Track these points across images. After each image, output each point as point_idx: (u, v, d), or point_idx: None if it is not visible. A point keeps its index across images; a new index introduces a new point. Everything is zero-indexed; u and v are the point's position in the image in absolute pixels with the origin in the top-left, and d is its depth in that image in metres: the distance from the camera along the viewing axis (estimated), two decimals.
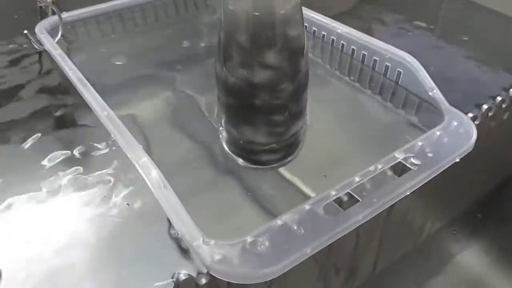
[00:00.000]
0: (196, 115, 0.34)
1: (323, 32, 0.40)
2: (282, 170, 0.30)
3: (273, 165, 0.30)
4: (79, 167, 0.28)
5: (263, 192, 0.28)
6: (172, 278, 0.21)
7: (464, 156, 0.29)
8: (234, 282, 0.21)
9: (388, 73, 0.35)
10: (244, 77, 0.26)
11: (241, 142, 0.29)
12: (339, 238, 0.23)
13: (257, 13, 0.24)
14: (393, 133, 0.34)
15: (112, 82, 0.39)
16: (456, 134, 0.30)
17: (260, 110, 0.27)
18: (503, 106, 0.34)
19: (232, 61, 0.26)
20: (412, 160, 0.27)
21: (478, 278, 0.48)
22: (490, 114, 0.34)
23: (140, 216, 0.25)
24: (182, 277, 0.21)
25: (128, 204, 0.25)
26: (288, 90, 0.27)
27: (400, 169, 0.28)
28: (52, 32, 0.41)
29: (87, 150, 0.29)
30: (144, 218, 0.25)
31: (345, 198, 0.26)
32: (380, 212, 0.31)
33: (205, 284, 0.22)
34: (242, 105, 0.27)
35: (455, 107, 0.32)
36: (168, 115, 0.35)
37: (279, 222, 0.23)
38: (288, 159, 0.30)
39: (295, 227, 0.23)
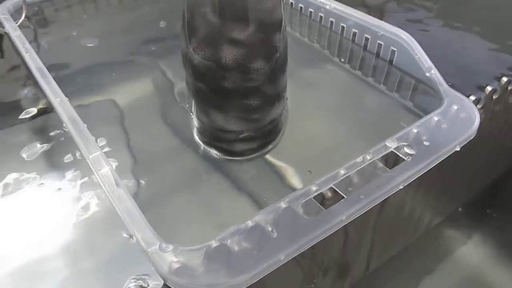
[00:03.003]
0: (171, 101, 0.31)
1: (310, 9, 0.36)
2: (260, 161, 0.27)
3: (249, 156, 0.27)
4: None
5: (239, 187, 0.25)
6: None
7: (466, 144, 0.26)
8: None
9: (381, 52, 0.32)
10: (211, 56, 0.22)
11: (213, 130, 0.26)
12: (323, 239, 0.20)
13: None
14: (386, 119, 0.30)
15: (81, 66, 0.35)
16: (457, 119, 0.27)
17: (231, 94, 0.24)
18: (509, 87, 0.31)
19: (198, 38, 0.23)
20: (406, 149, 0.24)
21: (478, 274, 0.45)
22: (494, 96, 0.30)
23: (96, 218, 0.22)
24: (133, 287, 0.18)
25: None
26: (263, 71, 0.23)
27: (393, 160, 0.25)
28: (16, 14, 0.38)
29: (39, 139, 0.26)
30: (100, 219, 0.22)
31: (329, 194, 0.23)
32: (372, 208, 0.28)
33: None
34: (211, 89, 0.24)
35: (456, 89, 0.28)
36: (142, 101, 0.31)
37: (249, 223, 0.20)
38: (267, 148, 0.27)
39: (270, 229, 0.20)
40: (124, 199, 0.20)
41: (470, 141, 0.26)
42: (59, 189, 0.23)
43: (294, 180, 0.25)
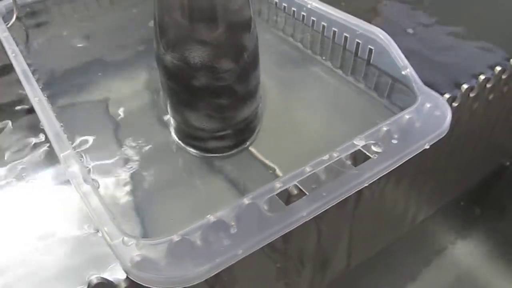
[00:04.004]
0: (157, 100, 0.32)
1: (293, 8, 0.37)
2: (236, 158, 0.27)
3: (225, 154, 0.27)
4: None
5: (215, 184, 0.26)
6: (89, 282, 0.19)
7: (446, 141, 0.26)
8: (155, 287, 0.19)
9: (360, 51, 0.32)
10: (180, 57, 0.23)
11: (187, 129, 0.27)
12: (297, 235, 0.21)
13: None
14: (363, 117, 0.30)
15: (70, 66, 0.36)
16: (430, 117, 0.27)
17: (201, 93, 0.24)
18: (488, 86, 0.31)
19: (167, 38, 0.23)
20: (373, 147, 0.24)
21: (467, 273, 0.45)
22: (471, 94, 0.30)
23: (65, 213, 0.23)
24: (95, 280, 0.19)
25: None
26: (232, 71, 0.24)
27: (362, 158, 0.25)
28: (9, 15, 0.39)
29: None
30: (69, 214, 0.22)
31: (295, 191, 0.23)
32: (346, 203, 0.28)
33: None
34: (182, 88, 0.25)
35: (434, 87, 0.28)
36: (131, 100, 0.32)
37: (212, 218, 0.21)
38: (243, 146, 0.28)
39: (231, 224, 0.20)
40: (91, 195, 0.20)
41: (449, 138, 0.26)
42: (34, 182, 0.24)
43: (269, 177, 0.26)
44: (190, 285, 0.19)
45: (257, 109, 0.28)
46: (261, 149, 0.28)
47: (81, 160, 0.25)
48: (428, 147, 0.25)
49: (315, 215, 0.21)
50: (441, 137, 0.26)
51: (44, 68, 0.35)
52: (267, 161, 0.27)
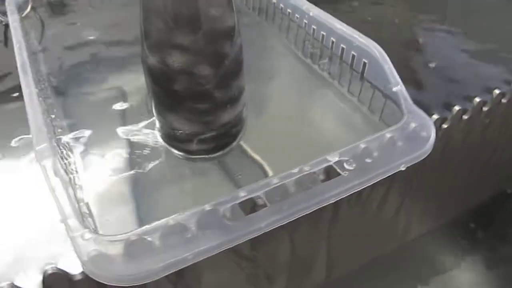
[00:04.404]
0: None
1: (296, 15, 0.36)
2: (220, 161, 0.28)
3: (208, 156, 0.28)
4: None
5: (197, 186, 0.26)
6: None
7: (436, 161, 0.25)
8: (106, 283, 0.19)
9: (355, 63, 0.32)
10: (160, 60, 0.24)
11: (169, 130, 0.27)
12: (266, 243, 0.21)
13: None
14: (350, 131, 0.30)
15: (78, 58, 0.37)
16: (415, 137, 0.26)
17: (181, 96, 0.25)
18: (484, 108, 0.30)
19: (150, 41, 0.24)
20: (346, 164, 0.24)
21: None
22: (465, 116, 0.29)
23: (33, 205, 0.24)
24: (50, 270, 0.20)
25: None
26: (210, 77, 0.24)
27: (335, 174, 0.25)
28: (25, 5, 0.41)
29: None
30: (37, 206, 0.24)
31: (261, 202, 0.23)
32: (321, 216, 0.28)
33: (80, 280, 0.20)
34: (164, 91, 0.25)
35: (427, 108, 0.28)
36: (130, 96, 0.33)
37: (171, 221, 0.21)
38: (226, 149, 0.28)
39: (189, 229, 0.21)
40: (58, 188, 0.21)
41: (440, 159, 0.26)
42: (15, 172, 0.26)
43: (248, 182, 0.26)
44: (140, 283, 0.20)
45: (241, 115, 0.28)
46: (243, 153, 0.28)
47: (63, 153, 0.26)
48: (404, 168, 0.25)
49: (274, 227, 0.21)
50: (421, 159, 0.26)
51: (54, 58, 0.37)
52: (248, 166, 0.28)
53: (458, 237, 0.46)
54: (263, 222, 0.21)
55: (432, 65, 0.34)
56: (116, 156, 0.28)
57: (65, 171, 0.24)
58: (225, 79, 0.25)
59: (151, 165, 0.27)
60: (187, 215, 0.21)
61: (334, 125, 0.31)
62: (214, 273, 0.26)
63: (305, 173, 0.23)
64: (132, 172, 0.27)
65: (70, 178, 0.24)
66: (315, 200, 0.22)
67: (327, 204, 0.23)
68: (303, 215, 0.23)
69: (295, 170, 0.23)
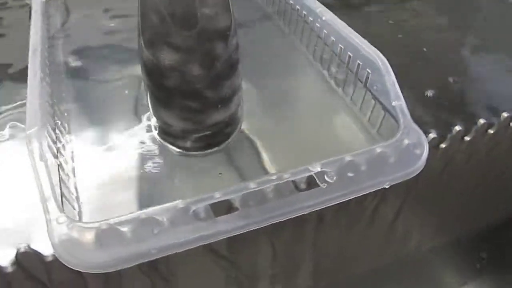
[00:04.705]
0: None
1: (310, 18, 0.36)
2: (214, 158, 0.28)
3: (203, 152, 0.28)
4: None
5: (191, 181, 0.27)
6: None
7: (434, 179, 0.25)
8: (73, 268, 0.20)
9: (359, 71, 0.31)
10: (154, 55, 0.24)
11: (163, 125, 0.28)
12: (245, 246, 0.21)
13: None
14: (346, 141, 0.30)
15: (97, 44, 0.38)
16: (407, 154, 0.26)
17: (172, 93, 0.25)
18: (490, 131, 0.29)
19: (145, 36, 0.24)
20: (326, 176, 0.24)
21: None
22: (467, 138, 0.28)
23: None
24: (22, 249, 0.21)
25: None
26: (201, 77, 0.24)
27: (314, 184, 0.24)
28: None
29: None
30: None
31: (235, 205, 0.24)
32: (305, 224, 0.28)
33: (51, 262, 0.21)
34: (157, 86, 0.26)
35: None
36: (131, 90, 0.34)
37: (142, 215, 0.22)
38: (215, 148, 0.28)
39: (158, 224, 0.21)
40: (42, 172, 0.22)
41: (439, 178, 0.25)
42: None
43: (236, 181, 0.27)
44: (104, 272, 0.20)
45: (235, 114, 0.28)
46: (236, 153, 0.28)
47: (58, 137, 0.27)
48: (387, 186, 0.24)
49: (240, 232, 0.21)
50: (411, 176, 0.25)
51: (73, 43, 0.38)
52: (240, 165, 0.28)
53: (463, 259, 0.44)
54: (230, 226, 0.21)
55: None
56: (115, 146, 0.29)
57: (56, 155, 0.25)
58: (217, 80, 0.25)
59: (147, 158, 0.28)
60: (160, 209, 0.22)
61: (332, 133, 0.31)
62: (190, 268, 0.26)
63: (284, 180, 0.23)
64: (125, 164, 0.27)
65: (59, 163, 0.25)
66: (288, 209, 0.22)
67: (300, 214, 0.23)
68: (285, 221, 0.23)
69: (273, 177, 0.23)
